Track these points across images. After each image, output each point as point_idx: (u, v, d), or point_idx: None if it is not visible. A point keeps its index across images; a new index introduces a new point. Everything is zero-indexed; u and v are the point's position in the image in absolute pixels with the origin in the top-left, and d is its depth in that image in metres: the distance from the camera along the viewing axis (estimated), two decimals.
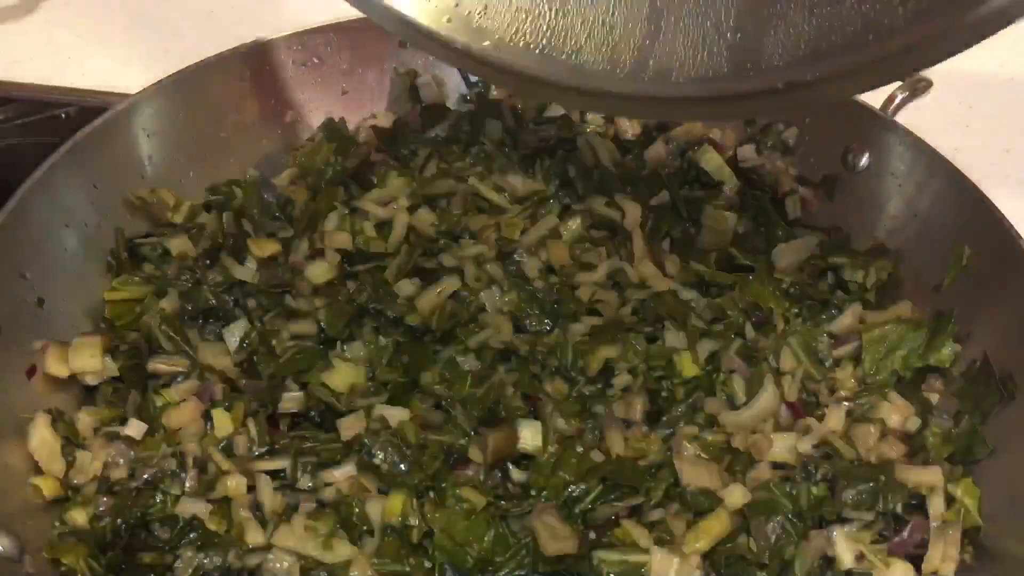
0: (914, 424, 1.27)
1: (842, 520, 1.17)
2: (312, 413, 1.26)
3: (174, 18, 2.04)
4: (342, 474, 1.17)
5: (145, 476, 1.18)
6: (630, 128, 1.62)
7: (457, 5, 1.23)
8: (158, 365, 1.31)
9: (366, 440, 1.17)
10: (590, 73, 1.22)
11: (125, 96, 1.47)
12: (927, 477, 1.19)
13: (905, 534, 1.17)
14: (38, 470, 1.21)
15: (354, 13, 1.39)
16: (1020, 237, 1.27)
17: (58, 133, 1.40)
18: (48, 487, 1.19)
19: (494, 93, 1.66)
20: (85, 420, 1.26)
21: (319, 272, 1.38)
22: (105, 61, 1.92)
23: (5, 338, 1.25)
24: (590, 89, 1.23)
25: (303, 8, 1.71)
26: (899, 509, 1.18)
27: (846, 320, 1.37)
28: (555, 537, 1.12)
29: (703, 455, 1.21)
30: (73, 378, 1.29)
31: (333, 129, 1.59)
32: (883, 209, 1.48)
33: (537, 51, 1.20)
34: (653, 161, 1.56)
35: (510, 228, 1.42)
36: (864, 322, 1.37)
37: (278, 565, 1.12)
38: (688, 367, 1.29)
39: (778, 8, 1.09)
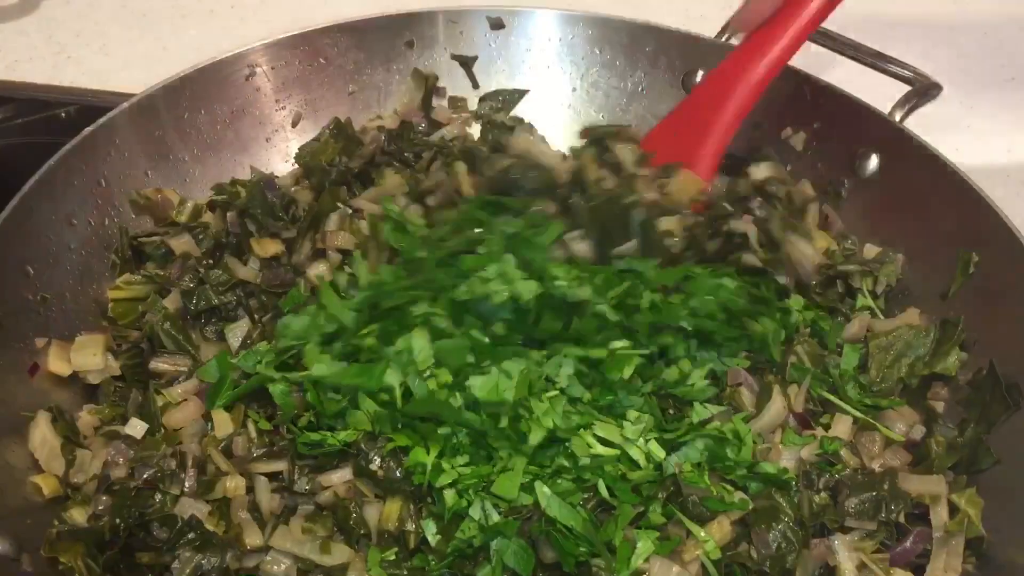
0: (919, 432, 1.26)
1: (844, 529, 1.16)
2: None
3: (174, 18, 2.04)
4: (339, 478, 1.16)
5: (145, 476, 1.17)
6: None
7: None
8: (160, 364, 1.31)
9: (363, 446, 1.16)
10: None
11: (125, 96, 1.47)
12: (930, 486, 1.18)
13: (907, 543, 1.16)
14: (38, 468, 1.21)
15: (359, 13, 1.38)
16: None
17: (58, 133, 1.40)
18: (48, 485, 1.19)
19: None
20: (86, 419, 1.26)
21: (321, 272, 1.38)
22: (105, 61, 1.92)
23: (7, 336, 1.25)
24: None
25: (306, 8, 1.71)
26: (902, 518, 1.17)
27: (853, 328, 1.36)
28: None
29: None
30: (75, 376, 1.29)
31: (339, 129, 1.59)
32: (891, 214, 1.47)
33: None
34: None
35: None
36: (871, 330, 1.36)
37: (276, 567, 1.12)
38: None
39: None
